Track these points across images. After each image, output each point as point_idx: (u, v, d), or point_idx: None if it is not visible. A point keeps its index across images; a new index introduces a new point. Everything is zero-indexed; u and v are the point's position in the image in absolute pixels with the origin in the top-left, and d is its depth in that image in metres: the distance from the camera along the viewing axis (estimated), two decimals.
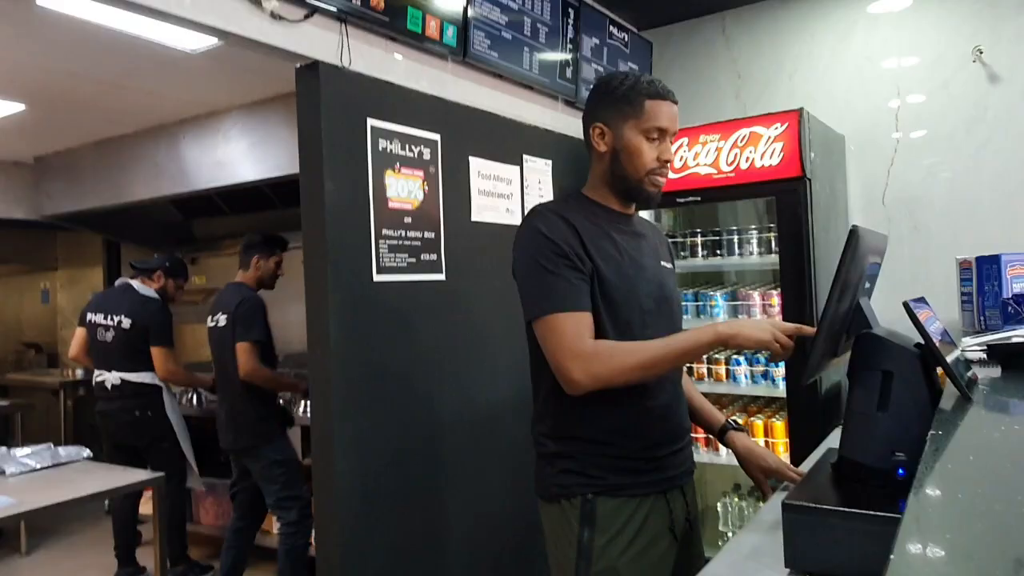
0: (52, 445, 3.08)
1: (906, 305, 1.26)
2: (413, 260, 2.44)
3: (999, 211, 3.25)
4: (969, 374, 1.44)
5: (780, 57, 3.73)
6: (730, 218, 3.54)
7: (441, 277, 2.56)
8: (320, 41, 2.16)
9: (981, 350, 1.63)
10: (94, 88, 3.46)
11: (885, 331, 1.36)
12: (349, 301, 2.21)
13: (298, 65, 2.18)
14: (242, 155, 3.94)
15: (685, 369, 3.20)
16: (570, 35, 3.18)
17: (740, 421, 3.16)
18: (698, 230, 3.28)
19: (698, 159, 3.04)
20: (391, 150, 2.37)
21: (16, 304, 6.76)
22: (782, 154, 2.84)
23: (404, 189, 2.42)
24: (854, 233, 1.24)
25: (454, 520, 2.54)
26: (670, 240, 3.31)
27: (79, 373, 5.68)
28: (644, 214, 3.33)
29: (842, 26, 3.58)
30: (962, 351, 1.75)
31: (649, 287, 1.62)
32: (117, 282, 4.05)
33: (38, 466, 2.90)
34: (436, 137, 2.55)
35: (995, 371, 1.59)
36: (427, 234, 2.51)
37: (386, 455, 2.31)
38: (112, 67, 3.19)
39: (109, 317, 3.83)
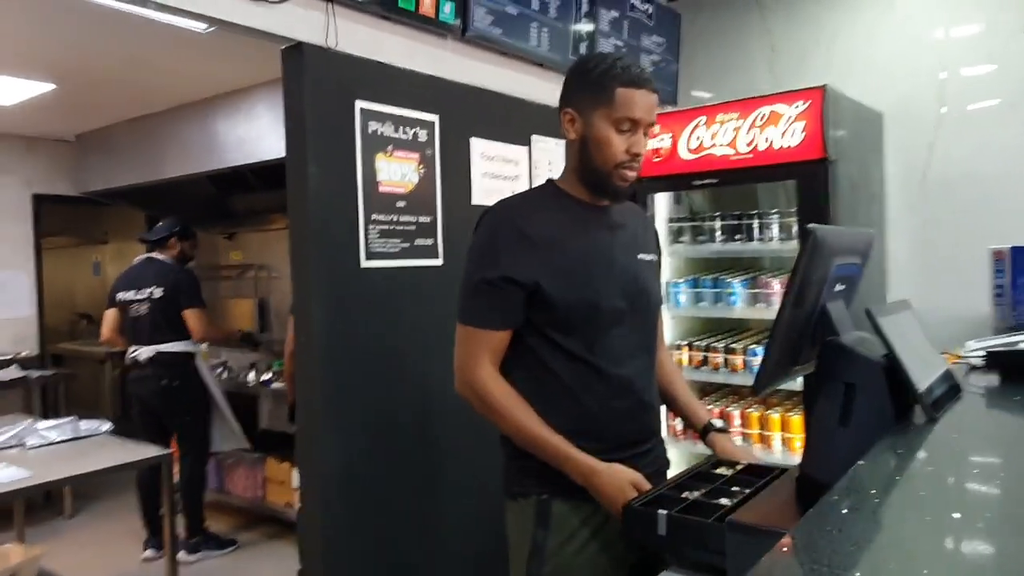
0: (76, 418, 3.19)
1: (868, 313, 1.15)
2: (406, 245, 2.40)
3: None
4: (952, 384, 1.32)
5: (817, 28, 3.51)
6: (765, 201, 3.37)
7: (438, 263, 2.51)
8: (304, 22, 2.12)
9: (981, 356, 1.49)
10: (117, 67, 3.51)
11: (854, 339, 1.24)
12: (335, 287, 2.19)
13: (283, 47, 2.14)
14: (266, 131, 3.95)
15: (673, 359, 3.11)
16: (584, 8, 3.05)
17: (757, 414, 3.05)
18: (717, 213, 3.13)
19: (715, 139, 2.89)
20: (382, 132, 2.32)
21: (69, 276, 7.03)
22: (803, 134, 2.67)
23: (397, 172, 2.37)
24: (811, 234, 1.13)
25: (443, 511, 2.52)
26: (690, 223, 3.22)
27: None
28: (660, 199, 3.19)
29: None
30: (964, 355, 1.62)
31: (619, 284, 1.55)
32: (137, 259, 4.14)
33: (58, 439, 3.00)
34: (433, 118, 2.48)
35: (994, 380, 1.45)
36: (422, 218, 2.46)
37: (374, 445, 2.30)
38: (130, 47, 3.22)
39: (140, 291, 3.93)
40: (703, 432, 1.74)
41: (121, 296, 3.98)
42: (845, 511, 0.72)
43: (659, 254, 1.74)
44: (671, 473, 1.71)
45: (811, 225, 1.14)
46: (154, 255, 4.06)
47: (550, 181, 1.64)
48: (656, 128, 3.09)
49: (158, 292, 3.90)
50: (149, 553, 3.94)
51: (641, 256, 1.64)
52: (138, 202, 5.47)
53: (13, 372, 4.72)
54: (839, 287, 1.31)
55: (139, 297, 3.92)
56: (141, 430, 3.99)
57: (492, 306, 1.49)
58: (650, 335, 1.65)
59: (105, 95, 4.04)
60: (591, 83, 1.50)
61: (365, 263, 2.26)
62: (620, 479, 1.41)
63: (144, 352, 3.89)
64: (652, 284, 1.66)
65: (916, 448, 0.97)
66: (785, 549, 0.62)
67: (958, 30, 3.19)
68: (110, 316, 4.06)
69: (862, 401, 1.19)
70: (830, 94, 2.66)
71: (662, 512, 1.30)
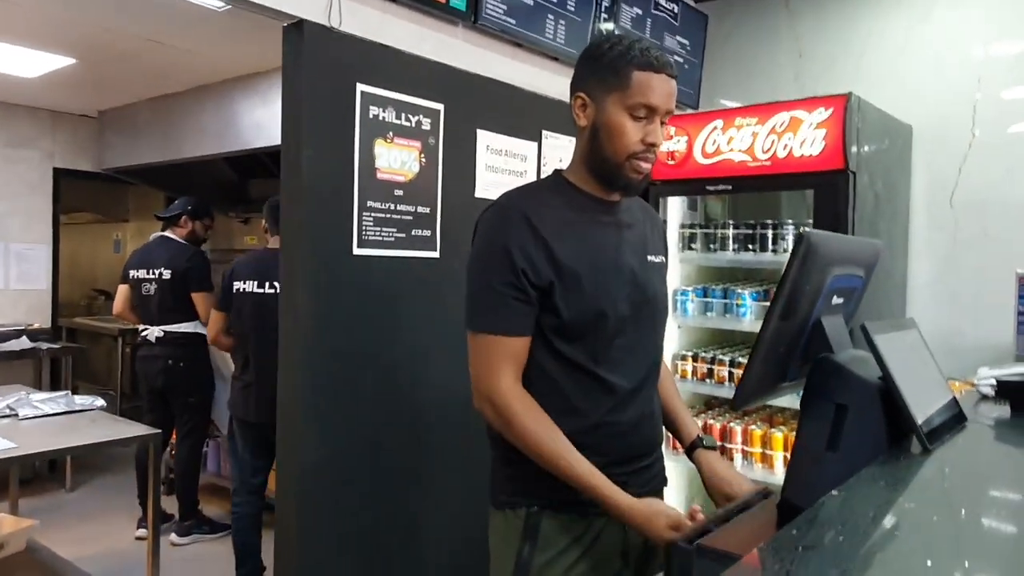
0: (70, 393, 3.17)
1: (863, 328, 1.05)
2: (402, 235, 2.33)
3: None
4: (955, 413, 1.22)
5: (848, 36, 3.39)
6: (788, 211, 3.25)
7: (435, 255, 2.44)
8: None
9: (991, 385, 1.38)
10: (134, 44, 3.49)
11: (848, 357, 1.15)
12: (324, 272, 2.13)
13: (285, 24, 2.08)
14: (279, 116, 3.91)
15: (670, 368, 2.96)
16: (605, 3, 2.96)
17: (760, 431, 2.94)
18: (731, 221, 3.02)
19: (732, 144, 2.78)
20: (384, 118, 2.25)
21: (91, 252, 7.08)
22: (824, 143, 2.56)
23: (397, 160, 2.30)
24: (804, 240, 1.04)
25: (427, 514, 2.45)
26: (702, 230, 3.11)
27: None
28: (673, 203, 3.06)
29: (920, 4, 3.21)
30: (976, 383, 1.51)
31: (626, 289, 1.44)
32: (152, 236, 4.14)
33: (51, 412, 2.99)
34: (439, 107, 2.41)
35: (1004, 411, 1.34)
36: (421, 208, 2.39)
37: (358, 440, 2.23)
38: (148, 24, 3.21)
39: (151, 271, 3.92)
40: (690, 448, 1.64)
41: (133, 273, 3.99)
42: (800, 548, 0.63)
43: (666, 255, 1.64)
44: (669, 492, 1.61)
45: (805, 229, 1.05)
46: (167, 234, 4.05)
47: (557, 172, 1.53)
48: (672, 130, 3.01)
49: (167, 273, 3.88)
50: (142, 532, 3.92)
51: (650, 258, 1.53)
52: (156, 181, 5.48)
53: (23, 343, 4.74)
54: (837, 300, 1.21)
55: (149, 276, 3.92)
56: (147, 408, 4.02)
57: (509, 308, 1.36)
58: (656, 343, 1.55)
59: (125, 72, 4.03)
60: (605, 65, 1.38)
61: (357, 251, 2.19)
62: (657, 525, 1.28)
63: (153, 331, 3.90)
64: (660, 289, 1.55)
65: (902, 481, 0.87)
66: None
67: (996, 48, 3.05)
68: (122, 291, 4.06)
69: (853, 425, 1.10)
70: (854, 102, 2.54)
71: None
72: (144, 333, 3.94)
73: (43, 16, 3.14)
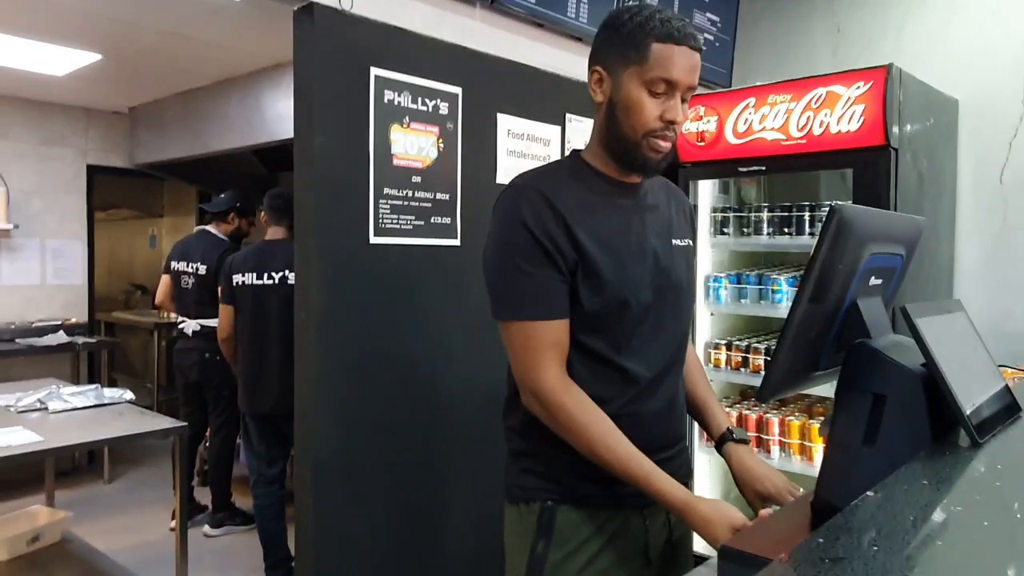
0: (99, 386, 3.19)
1: (903, 311, 0.95)
2: (421, 223, 2.27)
3: None
4: (1009, 403, 1.11)
5: (887, 8, 3.22)
6: (827, 193, 3.11)
7: (455, 242, 2.38)
8: None
9: None
10: (158, 39, 3.49)
11: (887, 343, 1.05)
12: (340, 261, 2.08)
13: (295, 8, 2.03)
14: None
15: (703, 357, 2.82)
16: None
17: (798, 422, 2.82)
18: (765, 204, 2.90)
19: (765, 122, 2.65)
20: (399, 103, 2.19)
21: (128, 247, 7.20)
22: (862, 119, 2.42)
23: (414, 146, 2.24)
24: (836, 215, 0.94)
25: (445, 505, 2.40)
26: (735, 214, 2.99)
27: (173, 316, 5.97)
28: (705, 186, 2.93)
29: None
30: None
31: (650, 275, 1.36)
32: (196, 229, 4.18)
33: (80, 406, 3.00)
34: (456, 91, 2.34)
35: None
36: (440, 195, 2.32)
37: (376, 432, 2.18)
38: (169, 17, 3.20)
39: (189, 265, 3.98)
40: (719, 441, 1.55)
41: (174, 265, 4.06)
42: (828, 561, 0.54)
43: (694, 237, 1.55)
44: (702, 486, 1.52)
45: (836, 203, 0.95)
46: (208, 228, 4.09)
47: (575, 152, 1.46)
48: (700, 109, 2.89)
49: (202, 269, 3.93)
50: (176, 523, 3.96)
51: (675, 242, 1.45)
52: (187, 177, 5.52)
53: (60, 338, 4.82)
54: (875, 281, 1.11)
55: (188, 269, 3.99)
56: (183, 401, 4.08)
57: (542, 289, 1.28)
58: (681, 330, 1.47)
59: (151, 67, 4.04)
60: (623, 37, 1.30)
61: (374, 239, 2.14)
62: (718, 529, 1.19)
63: (190, 325, 3.95)
64: (685, 275, 1.46)
65: (947, 479, 0.78)
66: None
67: None
68: (164, 282, 4.15)
69: (892, 416, 1.00)
70: (894, 74, 2.40)
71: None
72: (181, 326, 4.00)
73: (64, 10, 3.15)
